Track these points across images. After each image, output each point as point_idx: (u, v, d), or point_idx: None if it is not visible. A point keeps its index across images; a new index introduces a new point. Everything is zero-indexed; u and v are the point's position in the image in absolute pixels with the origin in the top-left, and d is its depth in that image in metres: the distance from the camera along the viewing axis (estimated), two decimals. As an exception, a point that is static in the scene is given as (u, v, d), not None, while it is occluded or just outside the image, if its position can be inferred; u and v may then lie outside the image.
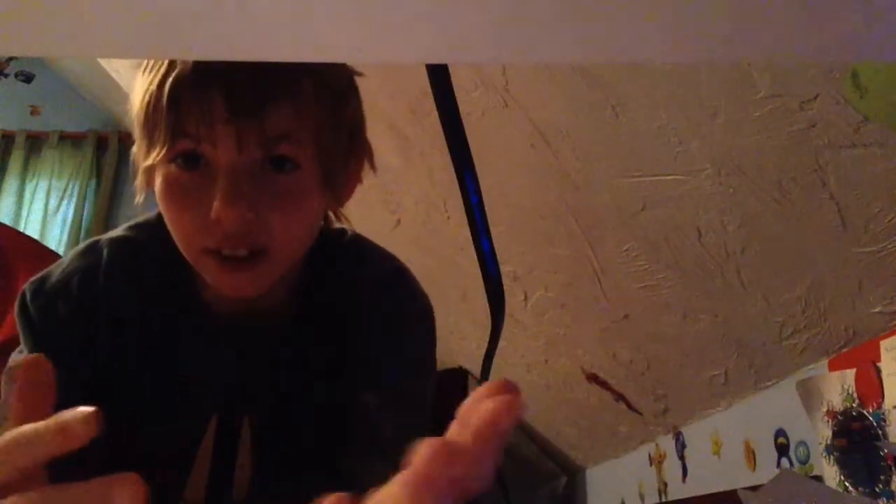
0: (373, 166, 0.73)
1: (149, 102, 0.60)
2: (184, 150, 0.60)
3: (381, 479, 0.30)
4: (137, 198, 0.68)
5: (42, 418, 0.37)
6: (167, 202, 0.63)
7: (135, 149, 0.67)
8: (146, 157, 0.62)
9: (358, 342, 0.72)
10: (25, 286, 0.70)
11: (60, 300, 0.68)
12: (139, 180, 0.67)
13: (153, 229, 0.73)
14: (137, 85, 0.63)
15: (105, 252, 0.71)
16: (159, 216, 0.74)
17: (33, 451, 0.34)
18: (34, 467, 0.35)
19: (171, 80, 0.59)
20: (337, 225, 0.77)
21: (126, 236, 0.73)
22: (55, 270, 0.71)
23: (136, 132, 0.64)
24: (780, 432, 1.33)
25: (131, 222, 0.75)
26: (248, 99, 0.59)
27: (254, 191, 0.60)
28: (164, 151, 0.59)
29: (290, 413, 0.72)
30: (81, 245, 0.73)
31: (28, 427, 0.35)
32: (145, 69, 0.62)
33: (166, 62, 0.60)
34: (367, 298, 0.73)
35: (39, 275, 0.71)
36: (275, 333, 0.72)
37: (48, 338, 0.68)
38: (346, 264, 0.75)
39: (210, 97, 0.58)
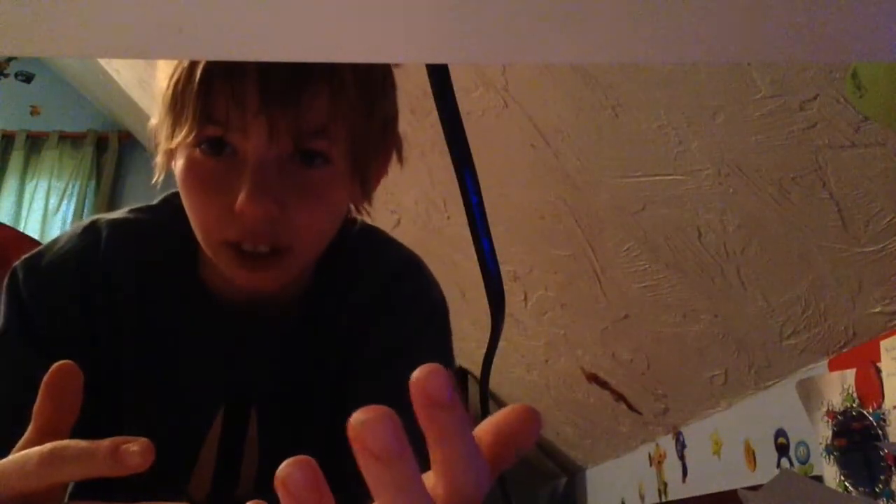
0: (400, 159, 0.68)
1: (178, 81, 0.56)
2: (210, 137, 0.57)
3: None
4: (156, 176, 0.64)
5: (66, 428, 0.36)
6: (189, 188, 0.59)
7: (153, 122, 0.62)
8: (169, 139, 0.58)
9: (366, 338, 0.69)
10: (17, 264, 0.65)
11: (56, 282, 0.64)
12: (159, 160, 0.62)
13: (156, 214, 0.70)
14: (165, 60, 0.59)
15: (105, 233, 0.67)
16: (163, 201, 0.71)
17: (80, 469, 0.33)
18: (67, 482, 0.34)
19: (204, 60, 0.55)
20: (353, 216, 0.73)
21: (128, 218, 0.69)
22: (51, 248, 0.66)
23: (160, 110, 0.59)
24: (780, 432, 1.33)
25: (133, 206, 0.71)
26: (284, 89, 0.55)
27: (281, 185, 0.56)
28: (190, 137, 0.56)
29: (296, 407, 0.69)
30: (79, 224, 0.69)
31: (76, 443, 0.33)
32: None
33: None
34: (376, 294, 0.71)
35: (32, 252, 0.66)
36: (280, 324, 0.69)
37: (39, 324, 0.63)
38: (356, 257, 0.72)
39: (244, 84, 0.55)
